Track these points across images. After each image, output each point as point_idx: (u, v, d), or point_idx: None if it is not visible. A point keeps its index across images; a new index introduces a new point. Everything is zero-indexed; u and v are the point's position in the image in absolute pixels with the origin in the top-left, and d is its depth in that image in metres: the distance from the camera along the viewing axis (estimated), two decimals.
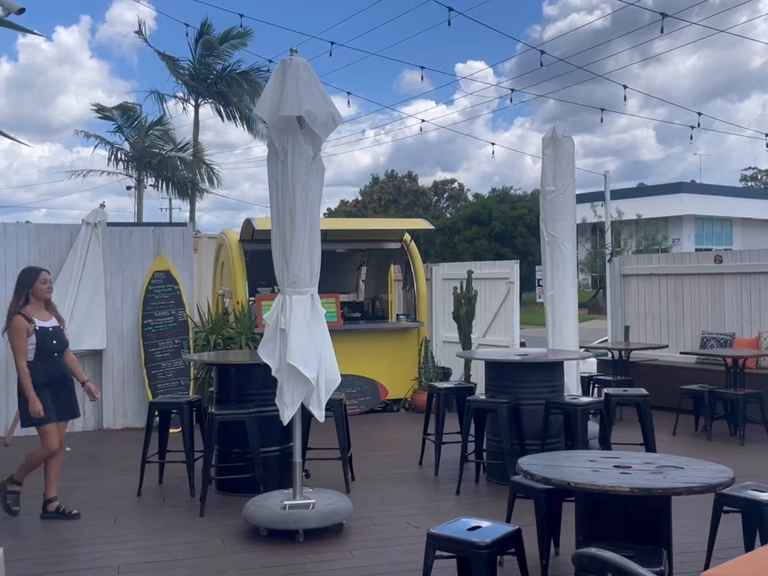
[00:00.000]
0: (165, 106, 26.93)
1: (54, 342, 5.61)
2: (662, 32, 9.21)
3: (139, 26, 26.16)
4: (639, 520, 3.75)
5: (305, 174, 5.15)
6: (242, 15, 10.97)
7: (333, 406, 6.13)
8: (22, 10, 4.39)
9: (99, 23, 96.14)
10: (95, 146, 26.37)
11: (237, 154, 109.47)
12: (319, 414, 5.21)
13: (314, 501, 5.23)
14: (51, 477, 5.71)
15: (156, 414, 6.53)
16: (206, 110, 28.29)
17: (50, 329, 5.60)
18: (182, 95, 27.59)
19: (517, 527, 3.87)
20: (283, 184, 5.17)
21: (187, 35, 17.91)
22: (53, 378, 5.56)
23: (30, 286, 5.59)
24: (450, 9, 9.14)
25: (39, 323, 5.55)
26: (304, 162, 5.15)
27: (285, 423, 5.21)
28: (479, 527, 3.78)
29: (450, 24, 9.16)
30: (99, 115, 26.28)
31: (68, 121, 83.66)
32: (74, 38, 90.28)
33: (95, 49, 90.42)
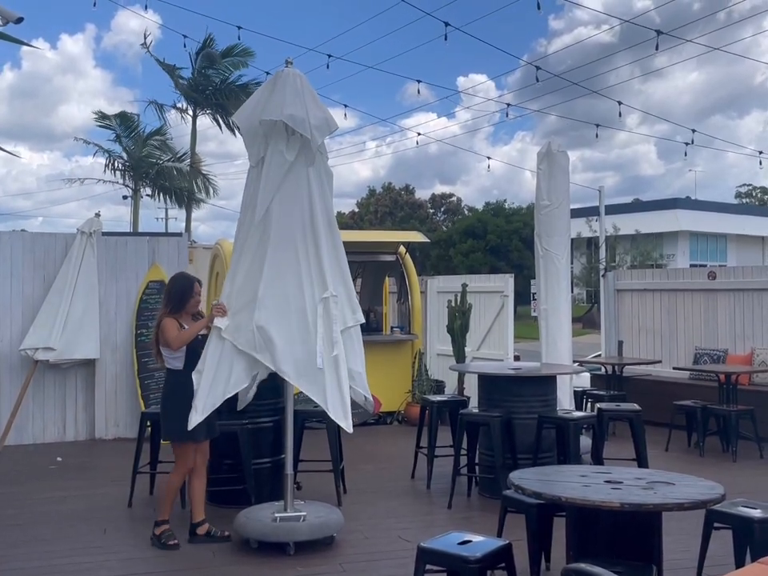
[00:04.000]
0: (164, 115, 26.97)
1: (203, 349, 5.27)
2: (656, 49, 9.29)
3: (144, 36, 26.18)
4: (629, 536, 3.75)
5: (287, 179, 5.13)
6: (239, 27, 10.97)
7: (325, 417, 6.10)
8: (20, 20, 4.41)
9: (104, 31, 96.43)
10: (93, 154, 26.49)
11: (238, 165, 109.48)
12: (346, 424, 5.01)
13: (305, 513, 5.21)
14: (196, 498, 5.36)
15: (148, 424, 6.51)
16: (207, 120, 28.32)
17: (200, 336, 5.25)
18: (180, 106, 27.64)
19: (507, 542, 3.85)
20: (264, 189, 5.14)
21: (185, 46, 17.94)
22: None
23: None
24: (447, 24, 9.19)
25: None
26: (282, 167, 5.10)
27: (189, 428, 4.90)
28: (470, 541, 3.77)
29: (446, 39, 9.21)
30: (100, 123, 26.30)
31: (69, 129, 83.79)
32: (79, 47, 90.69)
33: (99, 58, 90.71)
